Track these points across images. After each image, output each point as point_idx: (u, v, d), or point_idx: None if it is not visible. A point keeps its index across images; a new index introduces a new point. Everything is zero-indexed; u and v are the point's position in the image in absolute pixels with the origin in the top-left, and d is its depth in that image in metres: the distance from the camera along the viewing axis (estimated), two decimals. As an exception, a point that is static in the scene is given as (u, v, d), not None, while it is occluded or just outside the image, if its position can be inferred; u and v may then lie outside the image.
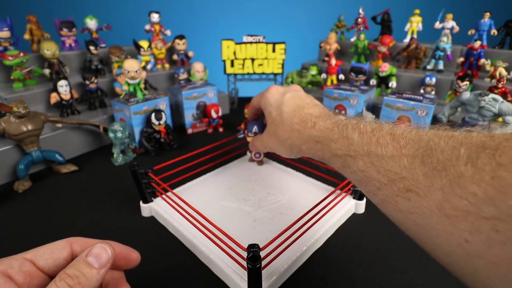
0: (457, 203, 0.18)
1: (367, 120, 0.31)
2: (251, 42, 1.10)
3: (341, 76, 1.18)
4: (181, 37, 1.18)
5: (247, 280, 0.37)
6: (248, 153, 0.75)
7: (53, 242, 0.23)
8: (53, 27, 1.05)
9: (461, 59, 1.10)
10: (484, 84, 1.00)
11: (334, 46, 1.25)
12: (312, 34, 1.80)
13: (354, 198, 0.58)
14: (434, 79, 1.01)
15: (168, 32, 1.20)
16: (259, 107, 0.49)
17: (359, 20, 1.33)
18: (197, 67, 1.07)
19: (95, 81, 0.92)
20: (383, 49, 1.18)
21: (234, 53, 1.12)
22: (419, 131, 0.25)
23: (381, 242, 0.51)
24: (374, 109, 0.99)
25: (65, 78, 0.86)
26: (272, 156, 0.73)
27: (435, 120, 0.88)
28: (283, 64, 1.14)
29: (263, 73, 1.16)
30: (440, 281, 0.43)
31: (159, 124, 0.81)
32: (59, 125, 0.77)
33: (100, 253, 0.22)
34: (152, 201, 0.58)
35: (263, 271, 0.37)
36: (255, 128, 0.67)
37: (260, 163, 0.72)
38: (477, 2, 2.17)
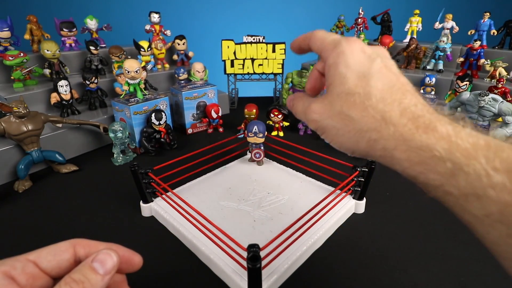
0: None
1: None
2: (251, 42, 1.10)
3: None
4: (181, 37, 1.18)
5: (247, 280, 0.37)
6: (248, 153, 0.75)
7: (56, 243, 0.23)
8: (53, 27, 1.05)
9: (461, 59, 1.10)
10: (484, 84, 1.00)
11: (334, 46, 1.25)
12: (312, 34, 1.80)
13: (354, 198, 0.58)
14: (434, 79, 1.01)
15: (168, 32, 1.20)
16: (319, 67, 0.30)
17: (359, 20, 1.33)
18: (197, 67, 1.07)
19: (95, 81, 0.92)
20: (383, 49, 1.18)
21: (234, 53, 1.12)
22: None
23: (381, 242, 0.51)
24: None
25: (65, 78, 0.87)
26: (272, 156, 0.73)
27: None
28: (283, 64, 1.14)
29: (263, 73, 1.16)
30: (440, 281, 0.43)
31: (159, 124, 0.81)
32: (59, 125, 0.77)
33: (105, 259, 0.22)
34: (152, 201, 0.58)
35: (263, 271, 0.37)
36: (255, 128, 0.67)
37: (260, 163, 0.72)
38: (477, 2, 2.17)
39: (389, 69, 0.25)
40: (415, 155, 0.21)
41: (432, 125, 0.21)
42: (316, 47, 0.29)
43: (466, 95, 0.79)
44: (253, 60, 1.13)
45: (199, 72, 1.07)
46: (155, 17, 1.15)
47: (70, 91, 0.86)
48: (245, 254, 0.36)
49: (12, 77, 0.89)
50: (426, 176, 0.20)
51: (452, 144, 0.19)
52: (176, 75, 1.10)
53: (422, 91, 1.02)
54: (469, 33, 1.12)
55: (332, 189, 0.59)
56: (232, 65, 1.14)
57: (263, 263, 0.38)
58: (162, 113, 0.81)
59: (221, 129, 0.99)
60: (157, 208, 0.56)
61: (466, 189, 0.18)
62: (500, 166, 0.17)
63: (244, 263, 0.37)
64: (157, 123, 0.80)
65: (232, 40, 1.10)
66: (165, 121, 0.82)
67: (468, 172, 0.18)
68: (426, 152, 0.20)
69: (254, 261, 0.34)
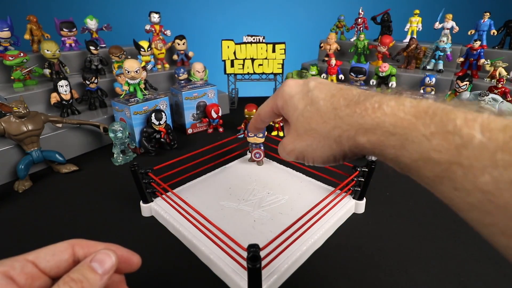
0: None
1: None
2: (251, 42, 1.10)
3: (341, 76, 1.18)
4: (181, 37, 1.18)
5: (247, 280, 0.37)
6: (248, 153, 0.75)
7: (55, 243, 0.24)
8: (53, 27, 1.05)
9: (461, 59, 1.10)
10: (484, 84, 1.00)
11: (334, 46, 1.25)
12: (312, 34, 1.80)
13: (354, 198, 0.58)
14: (434, 79, 1.01)
15: (168, 32, 1.20)
16: (275, 111, 0.34)
17: (359, 20, 1.33)
18: (197, 67, 1.07)
19: (95, 81, 0.92)
20: (383, 49, 1.19)
21: (234, 53, 1.12)
22: None
23: (381, 242, 0.51)
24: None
25: (65, 78, 0.87)
26: (272, 156, 0.73)
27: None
28: (283, 64, 1.14)
29: (263, 73, 1.16)
30: (440, 281, 0.43)
31: (159, 124, 0.81)
32: (59, 125, 0.77)
33: (104, 259, 0.23)
34: (152, 201, 0.58)
35: (263, 271, 0.37)
36: (255, 128, 0.67)
37: (260, 163, 0.72)
38: (477, 2, 2.17)
39: (324, 83, 0.30)
40: (372, 135, 0.23)
41: (377, 105, 0.23)
42: (270, 106, 0.34)
43: (466, 95, 0.79)
44: (253, 60, 1.13)
45: (199, 72, 1.07)
46: (155, 17, 1.15)
47: (70, 91, 0.86)
48: (245, 254, 0.36)
49: (12, 77, 0.89)
50: (384, 152, 0.23)
51: (397, 118, 0.22)
52: (176, 75, 1.10)
53: (422, 91, 1.02)
54: (469, 33, 1.12)
55: (332, 189, 0.59)
56: (232, 65, 1.14)
57: (263, 263, 0.38)
58: (162, 113, 0.81)
59: (221, 129, 0.99)
60: (157, 208, 0.56)
61: (415, 155, 0.21)
62: (435, 130, 0.20)
63: (244, 263, 0.37)
64: (157, 123, 0.80)
65: (232, 40, 1.10)
66: (165, 121, 0.82)
67: (413, 140, 0.21)
68: (378, 130, 0.23)
69: (254, 261, 0.34)
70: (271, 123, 0.93)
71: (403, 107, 0.22)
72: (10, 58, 0.85)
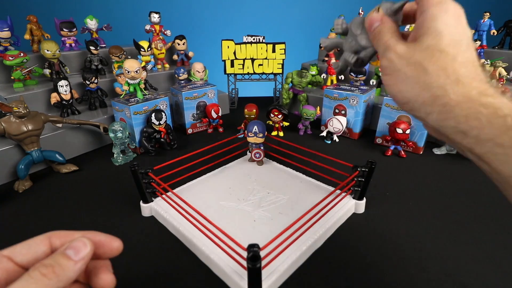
0: None
1: None
2: (251, 42, 1.10)
3: (341, 76, 1.18)
4: (181, 37, 1.18)
5: (247, 280, 0.37)
6: (248, 153, 0.75)
7: (31, 238, 0.24)
8: (54, 27, 1.05)
9: (461, 59, 1.10)
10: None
11: (334, 46, 1.25)
12: (312, 34, 1.80)
13: (354, 198, 0.58)
14: (434, 79, 1.01)
15: (168, 32, 1.20)
16: (411, 7, 0.29)
17: (359, 20, 1.33)
18: (197, 67, 1.07)
19: (95, 81, 0.92)
20: (383, 49, 1.18)
21: (234, 53, 1.12)
22: None
23: (381, 242, 0.51)
24: (374, 109, 0.99)
25: (65, 78, 0.87)
26: (272, 156, 0.73)
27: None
28: (283, 64, 1.14)
29: (263, 73, 1.16)
30: (440, 281, 0.43)
31: (159, 124, 0.81)
32: (59, 125, 0.77)
33: (79, 246, 0.23)
34: (152, 201, 0.58)
35: (263, 271, 0.37)
36: (255, 128, 0.67)
37: (260, 163, 0.72)
38: (477, 2, 2.17)
39: (473, 48, 0.27)
40: (475, 112, 0.23)
41: (496, 94, 0.24)
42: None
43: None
44: (253, 60, 1.13)
45: (199, 72, 1.07)
46: (155, 17, 1.15)
47: (70, 91, 0.86)
48: (245, 254, 0.36)
49: (12, 77, 0.89)
50: (480, 130, 0.23)
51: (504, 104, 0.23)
52: (176, 75, 1.10)
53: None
54: (469, 33, 1.12)
55: (332, 189, 0.59)
56: (232, 65, 1.14)
57: (263, 263, 0.38)
58: (162, 113, 0.81)
59: (221, 129, 0.99)
60: (157, 208, 0.56)
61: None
62: None
63: (244, 263, 0.37)
64: (157, 123, 0.80)
65: (232, 40, 1.10)
66: (165, 121, 0.82)
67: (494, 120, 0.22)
68: (488, 109, 0.23)
69: (254, 261, 0.34)
70: (270, 123, 0.93)
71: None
72: (10, 58, 0.85)
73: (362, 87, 0.94)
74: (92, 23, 1.13)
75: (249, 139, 0.68)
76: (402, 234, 0.53)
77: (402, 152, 0.81)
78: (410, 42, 0.27)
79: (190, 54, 1.23)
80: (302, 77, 1.08)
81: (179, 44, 1.18)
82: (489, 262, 0.47)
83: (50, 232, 0.24)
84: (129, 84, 0.84)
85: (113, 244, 0.26)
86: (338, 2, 2.32)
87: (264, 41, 1.10)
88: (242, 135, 0.76)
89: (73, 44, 1.08)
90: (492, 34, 1.09)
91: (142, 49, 1.09)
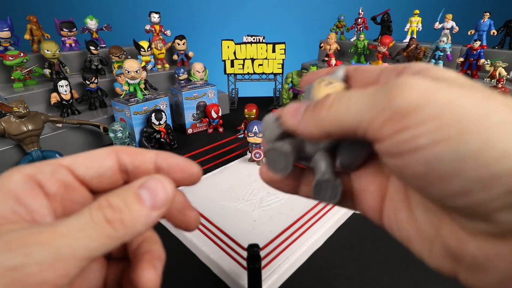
0: None
1: None
2: (251, 42, 1.10)
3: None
4: (181, 37, 1.18)
5: (247, 280, 0.37)
6: (248, 153, 0.75)
7: (92, 150, 0.18)
8: (53, 27, 1.05)
9: (461, 59, 1.10)
10: (483, 84, 1.00)
11: (334, 46, 1.25)
12: (312, 34, 1.80)
13: (354, 198, 0.58)
14: (434, 79, 1.01)
15: (168, 32, 1.20)
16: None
17: (359, 20, 1.33)
18: (197, 67, 1.07)
19: (95, 81, 0.92)
20: (383, 49, 1.19)
21: (234, 53, 1.12)
22: None
23: (381, 241, 0.51)
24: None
25: (65, 78, 0.87)
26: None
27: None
28: (283, 64, 1.14)
29: (263, 73, 1.16)
30: (440, 281, 0.43)
31: (159, 124, 0.81)
32: (59, 125, 0.77)
33: (157, 188, 0.16)
34: (152, 201, 0.58)
35: (263, 271, 0.37)
36: (255, 128, 0.67)
37: (260, 163, 0.72)
38: (477, 2, 2.17)
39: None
40: None
41: None
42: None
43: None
44: (253, 60, 1.13)
45: (199, 72, 1.07)
46: (155, 17, 1.15)
47: (70, 91, 0.86)
48: (245, 254, 0.36)
49: (12, 77, 0.89)
50: None
51: None
52: (176, 75, 1.10)
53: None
54: (469, 33, 1.12)
55: (332, 189, 0.59)
56: (232, 65, 1.14)
57: (263, 263, 0.38)
58: (162, 113, 0.81)
59: (221, 129, 0.99)
60: (157, 208, 0.56)
61: None
62: None
63: (244, 263, 0.37)
64: (157, 123, 0.80)
65: (232, 40, 1.10)
66: (165, 121, 0.82)
67: None
68: None
69: (254, 261, 0.34)
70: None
71: None
72: (10, 58, 0.85)
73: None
74: (92, 23, 1.13)
75: (249, 139, 0.68)
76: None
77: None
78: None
79: (190, 54, 1.23)
80: (302, 77, 1.09)
81: (179, 44, 1.18)
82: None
83: (115, 146, 0.19)
84: (129, 84, 0.84)
85: (193, 169, 0.20)
86: (338, 2, 2.32)
87: (264, 41, 1.10)
88: (242, 135, 0.76)
89: (73, 44, 1.08)
90: (492, 34, 1.09)
91: (142, 49, 1.09)
